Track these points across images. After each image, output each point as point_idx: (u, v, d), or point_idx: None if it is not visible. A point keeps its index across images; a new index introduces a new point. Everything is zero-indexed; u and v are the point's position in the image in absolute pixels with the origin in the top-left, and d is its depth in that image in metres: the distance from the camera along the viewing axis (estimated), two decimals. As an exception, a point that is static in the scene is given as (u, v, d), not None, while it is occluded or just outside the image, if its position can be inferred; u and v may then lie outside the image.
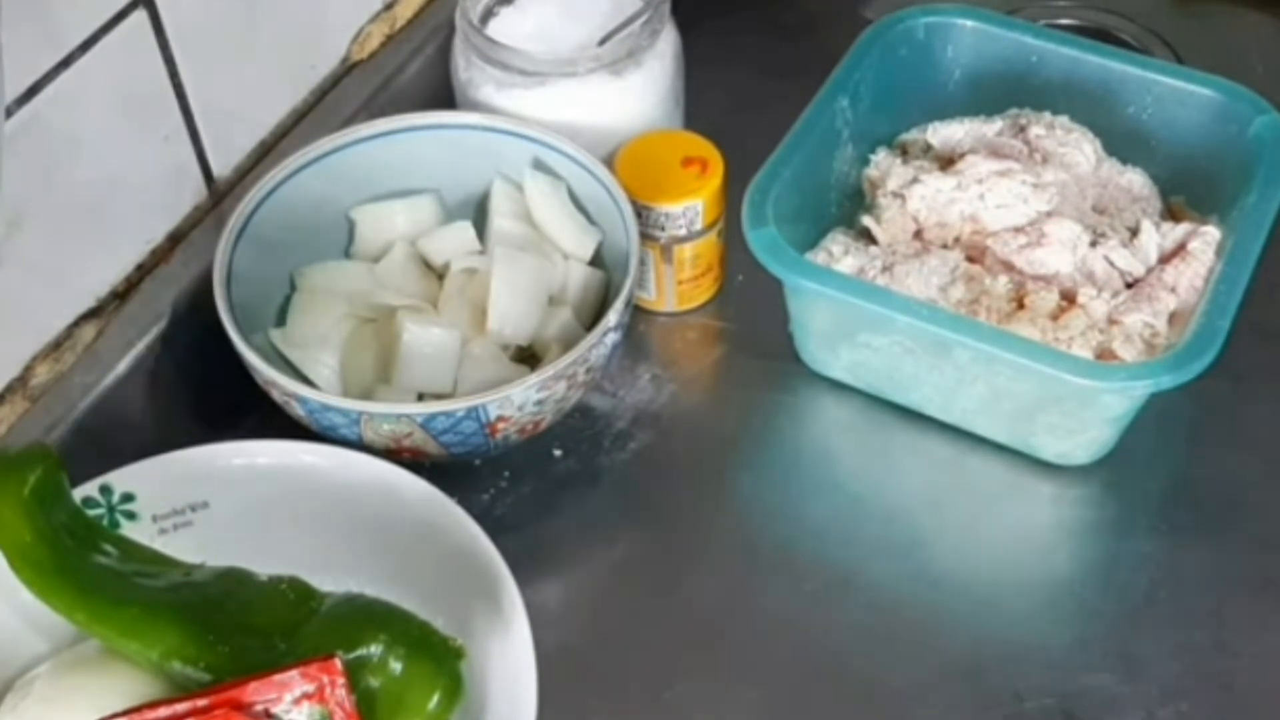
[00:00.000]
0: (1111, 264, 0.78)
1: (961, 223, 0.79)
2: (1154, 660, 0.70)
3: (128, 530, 0.66)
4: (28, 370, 0.72)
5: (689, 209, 0.80)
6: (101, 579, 0.61)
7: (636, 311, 0.85)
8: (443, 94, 0.86)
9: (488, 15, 0.85)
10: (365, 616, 0.60)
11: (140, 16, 0.71)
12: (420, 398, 0.76)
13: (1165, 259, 0.78)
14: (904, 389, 0.79)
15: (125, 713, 0.56)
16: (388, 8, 0.89)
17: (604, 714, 0.70)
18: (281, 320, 0.79)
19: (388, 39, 0.89)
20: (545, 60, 0.81)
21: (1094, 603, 0.73)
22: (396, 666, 0.58)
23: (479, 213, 0.84)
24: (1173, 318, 0.76)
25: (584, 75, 0.81)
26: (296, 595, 0.62)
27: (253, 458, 0.69)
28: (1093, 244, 0.78)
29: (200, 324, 0.74)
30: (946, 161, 0.82)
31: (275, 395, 0.73)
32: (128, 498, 0.68)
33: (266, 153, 0.82)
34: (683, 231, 0.81)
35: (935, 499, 0.77)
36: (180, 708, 0.56)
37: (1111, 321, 0.75)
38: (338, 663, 0.56)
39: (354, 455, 0.69)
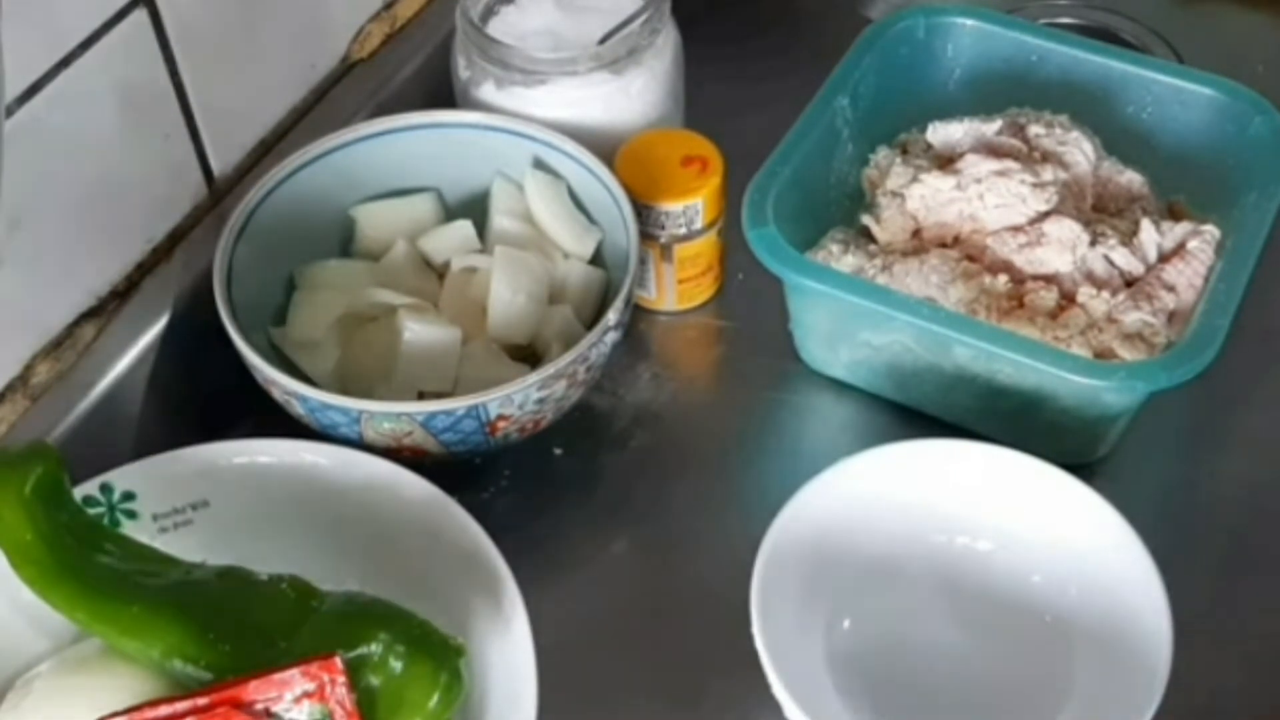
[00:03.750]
0: (1111, 263, 0.78)
1: (961, 222, 0.79)
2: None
3: (128, 529, 0.66)
4: (28, 369, 0.72)
5: (689, 208, 0.80)
6: (102, 578, 0.61)
7: (636, 310, 0.85)
8: (443, 93, 0.86)
9: (488, 14, 0.85)
10: (365, 615, 0.60)
11: (140, 16, 0.71)
12: (420, 396, 0.76)
13: (1165, 258, 0.78)
14: (904, 388, 0.79)
15: (126, 711, 0.56)
16: (388, 7, 0.89)
17: (604, 714, 0.70)
18: (281, 319, 0.79)
19: (388, 38, 0.89)
20: (545, 59, 0.81)
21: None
22: (397, 665, 0.58)
23: (479, 212, 0.84)
24: (1172, 317, 0.76)
25: (584, 74, 0.81)
26: (297, 594, 0.62)
27: (253, 456, 0.70)
28: (1092, 243, 0.78)
29: (200, 323, 0.74)
30: (946, 161, 0.82)
31: (275, 394, 0.73)
32: (128, 496, 0.68)
33: (267, 151, 0.82)
34: (682, 230, 0.81)
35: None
36: (181, 706, 0.56)
37: (1111, 320, 0.75)
38: (338, 661, 0.56)
39: (354, 454, 0.69)
